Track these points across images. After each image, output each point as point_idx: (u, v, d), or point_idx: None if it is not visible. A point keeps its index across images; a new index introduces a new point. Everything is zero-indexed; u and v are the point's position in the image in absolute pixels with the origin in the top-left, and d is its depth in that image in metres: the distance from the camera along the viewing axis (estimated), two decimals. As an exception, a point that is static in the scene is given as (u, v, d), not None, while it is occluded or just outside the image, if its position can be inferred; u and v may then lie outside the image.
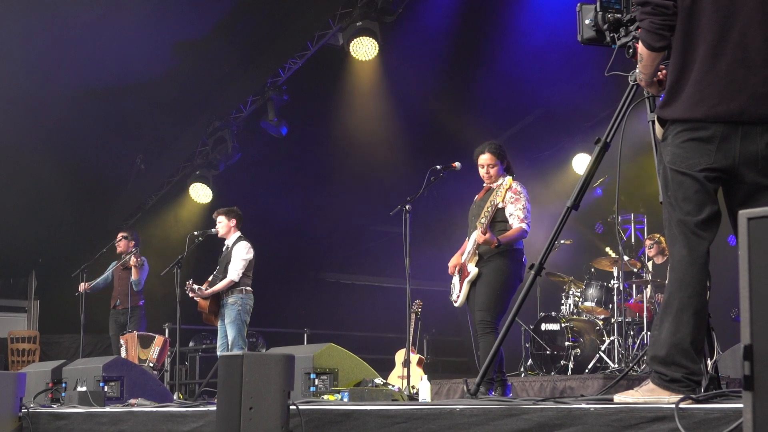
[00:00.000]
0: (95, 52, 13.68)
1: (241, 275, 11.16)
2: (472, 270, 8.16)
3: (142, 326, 13.24)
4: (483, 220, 8.10)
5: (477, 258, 8.18)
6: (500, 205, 8.16)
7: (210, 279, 11.38)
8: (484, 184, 8.52)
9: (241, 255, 11.24)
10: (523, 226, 8.14)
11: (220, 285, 11.15)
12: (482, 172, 8.46)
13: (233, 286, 11.15)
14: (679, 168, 4.49)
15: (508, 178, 8.28)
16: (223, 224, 11.53)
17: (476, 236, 8.11)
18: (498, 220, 8.20)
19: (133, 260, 13.17)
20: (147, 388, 9.51)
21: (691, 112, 4.48)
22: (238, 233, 11.52)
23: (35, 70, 13.86)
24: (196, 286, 11.14)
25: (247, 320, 11.21)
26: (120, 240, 13.57)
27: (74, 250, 16.09)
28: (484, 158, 8.42)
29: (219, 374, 5.24)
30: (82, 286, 13.36)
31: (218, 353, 11.35)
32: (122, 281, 13.39)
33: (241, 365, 5.01)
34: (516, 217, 8.16)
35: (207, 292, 11.14)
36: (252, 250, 11.33)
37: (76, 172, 16.13)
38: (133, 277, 13.16)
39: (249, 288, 11.25)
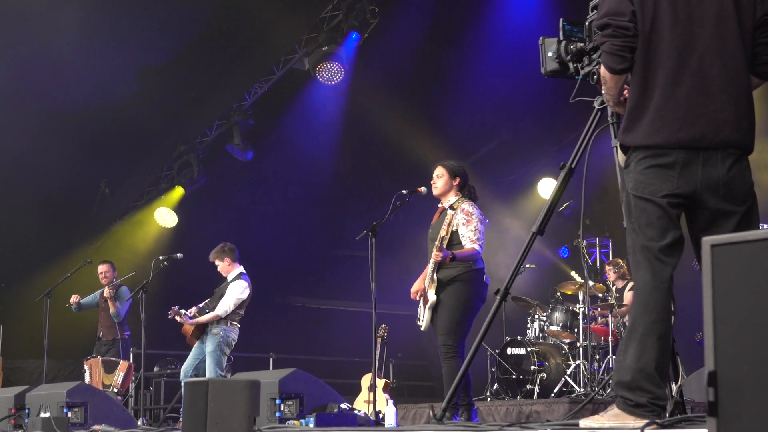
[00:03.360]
0: (59, 76, 13.62)
1: (229, 312, 11.10)
2: (431, 297, 8.17)
3: (124, 358, 13.11)
4: (438, 244, 8.12)
5: (436, 284, 8.18)
6: (453, 228, 8.19)
7: (202, 305, 11.28)
8: (439, 205, 8.56)
9: (235, 294, 11.16)
10: (475, 247, 8.13)
11: (207, 317, 11.08)
12: (432, 185, 8.54)
13: (219, 319, 11.10)
14: (642, 194, 4.52)
15: (460, 199, 8.35)
16: (221, 266, 11.42)
17: (432, 256, 8.13)
18: (455, 242, 8.20)
19: (107, 292, 13.03)
20: (111, 414, 9.44)
21: (652, 138, 4.51)
22: (238, 269, 11.41)
23: (-1, 93, 13.80)
24: (183, 311, 11.06)
25: (227, 352, 11.16)
26: (104, 271, 13.45)
27: (38, 275, 15.95)
28: (435, 172, 8.51)
29: (184, 400, 5.22)
30: (74, 298, 13.26)
31: (182, 374, 11.30)
32: (105, 312, 13.26)
33: (206, 391, 4.98)
34: (467, 238, 8.15)
35: (192, 321, 11.06)
36: (248, 290, 11.26)
37: (39, 195, 16.00)
38: (110, 309, 13.03)
39: (235, 323, 11.19)
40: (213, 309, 11.11)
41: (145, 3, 13.26)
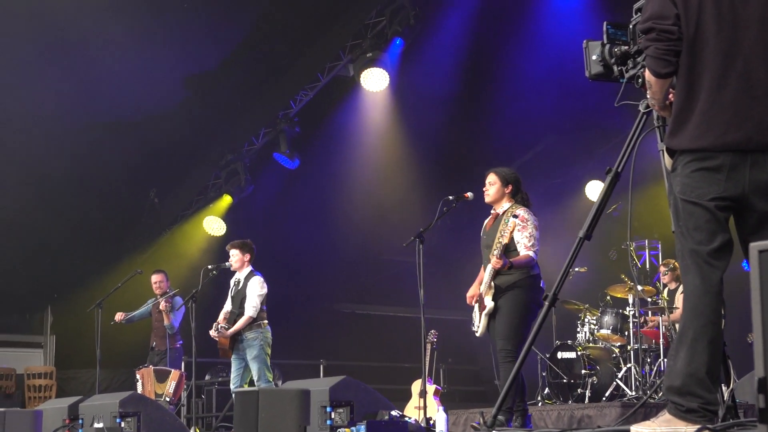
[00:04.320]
0: (109, 87, 13.74)
1: (258, 311, 11.13)
2: (489, 303, 8.17)
3: (176, 368, 13.13)
4: (496, 252, 8.11)
5: (493, 290, 8.17)
6: (509, 235, 8.18)
7: (226, 316, 11.33)
8: (492, 211, 8.55)
9: (256, 291, 11.18)
10: (530, 253, 8.17)
11: (241, 323, 11.09)
12: (485, 192, 8.53)
13: (251, 322, 11.12)
14: (690, 198, 4.50)
15: (514, 206, 8.33)
16: (236, 258, 11.46)
17: (492, 263, 8.12)
18: (510, 249, 8.21)
19: (162, 305, 13.07)
20: (164, 423, 9.48)
21: (698, 141, 4.49)
22: (251, 267, 11.47)
23: (53, 105, 13.91)
24: (221, 326, 11.12)
25: (269, 353, 11.18)
26: (158, 281, 13.50)
27: (89, 286, 16.09)
28: (488, 179, 8.49)
29: (235, 409, 5.25)
30: (119, 316, 13.32)
31: (232, 387, 11.32)
32: (158, 323, 13.30)
33: (257, 401, 5.01)
34: (522, 245, 8.18)
35: (229, 331, 11.10)
36: (265, 284, 11.29)
37: (90, 206, 16.15)
38: (165, 322, 13.09)
39: (266, 321, 11.21)
40: (242, 314, 11.15)
41: (190, 12, 13.33)
